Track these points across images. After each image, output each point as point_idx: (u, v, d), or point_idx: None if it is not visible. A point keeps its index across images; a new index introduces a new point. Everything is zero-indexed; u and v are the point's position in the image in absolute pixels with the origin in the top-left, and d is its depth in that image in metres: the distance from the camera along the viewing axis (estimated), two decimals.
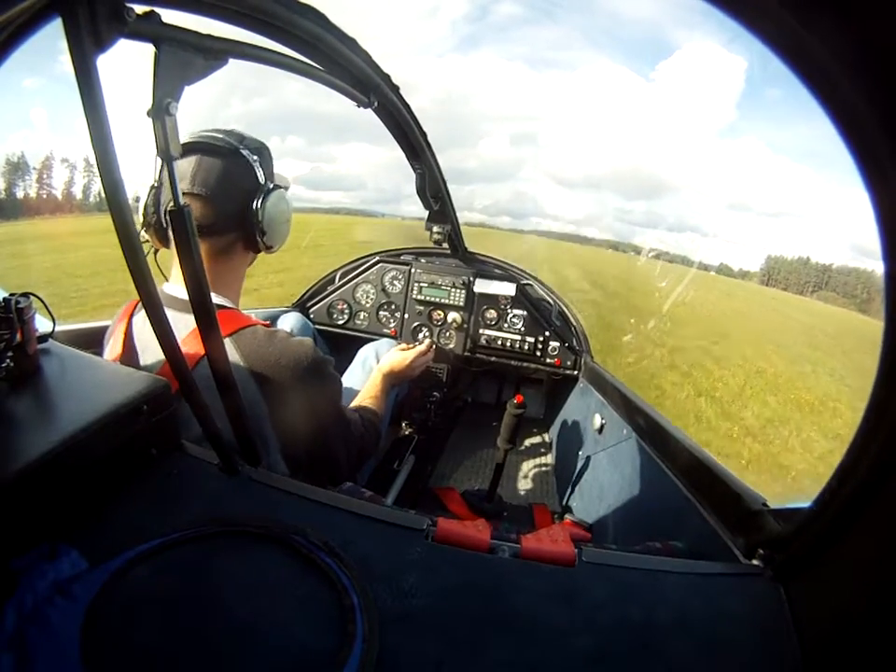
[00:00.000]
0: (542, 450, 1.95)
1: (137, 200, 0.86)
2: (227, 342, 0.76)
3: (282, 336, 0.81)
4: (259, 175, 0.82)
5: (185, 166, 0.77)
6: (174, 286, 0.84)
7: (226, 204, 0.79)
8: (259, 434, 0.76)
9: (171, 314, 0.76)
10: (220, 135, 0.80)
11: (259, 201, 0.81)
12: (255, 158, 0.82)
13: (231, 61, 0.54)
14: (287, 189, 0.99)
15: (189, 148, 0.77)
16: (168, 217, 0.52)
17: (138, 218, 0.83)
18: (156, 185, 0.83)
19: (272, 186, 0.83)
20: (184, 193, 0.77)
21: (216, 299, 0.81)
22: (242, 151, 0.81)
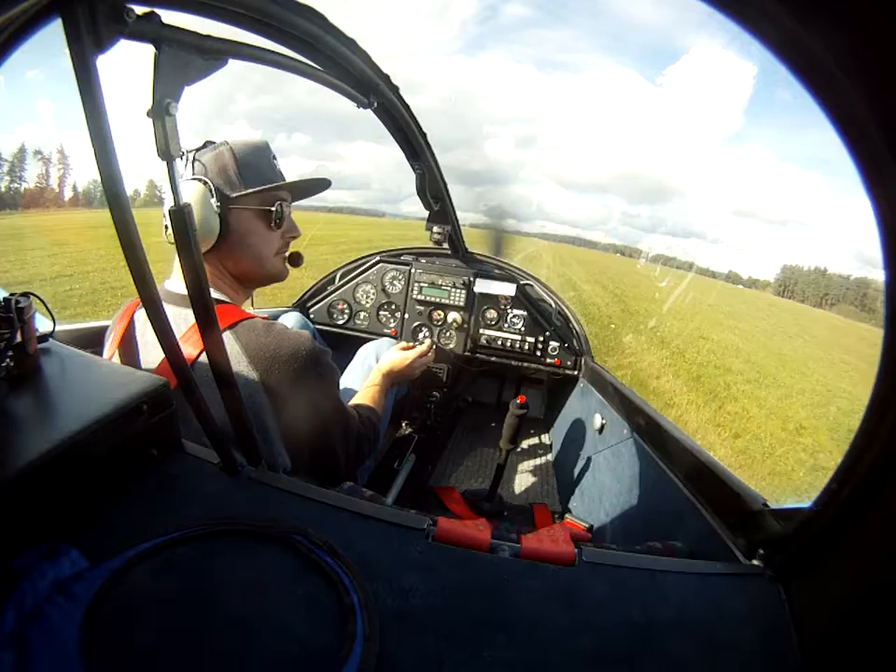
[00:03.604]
0: (542, 450, 1.95)
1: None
2: (226, 334, 0.77)
3: (280, 328, 0.81)
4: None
5: None
6: (174, 282, 0.85)
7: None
8: (260, 426, 0.77)
9: (171, 309, 0.77)
10: None
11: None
12: (183, 152, 0.78)
13: (233, 60, 0.54)
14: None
15: None
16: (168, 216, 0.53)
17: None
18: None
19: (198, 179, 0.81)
20: None
21: (214, 294, 0.82)
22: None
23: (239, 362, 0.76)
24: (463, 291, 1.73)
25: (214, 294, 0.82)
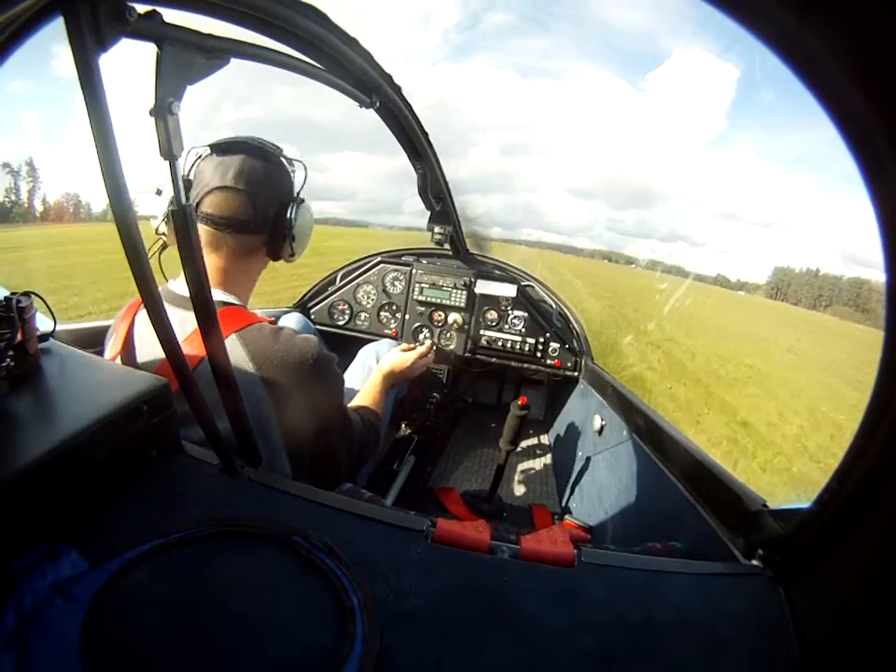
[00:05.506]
0: (542, 451, 1.95)
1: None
2: (233, 338, 0.76)
3: (288, 334, 0.81)
4: (294, 184, 0.88)
5: (227, 162, 0.80)
6: (180, 283, 0.84)
7: (265, 206, 0.83)
8: (263, 432, 0.76)
9: (177, 311, 0.76)
10: (266, 142, 0.85)
11: (294, 209, 0.86)
12: (293, 169, 0.88)
13: (235, 59, 0.54)
14: None
15: (235, 147, 0.82)
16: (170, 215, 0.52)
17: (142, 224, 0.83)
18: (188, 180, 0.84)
19: (303, 199, 0.88)
20: (227, 187, 0.79)
21: (225, 296, 0.82)
22: (283, 160, 0.87)
23: (245, 368, 0.75)
24: (464, 292, 1.73)
25: (226, 297, 0.82)
